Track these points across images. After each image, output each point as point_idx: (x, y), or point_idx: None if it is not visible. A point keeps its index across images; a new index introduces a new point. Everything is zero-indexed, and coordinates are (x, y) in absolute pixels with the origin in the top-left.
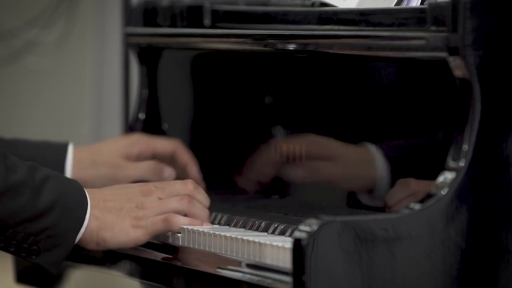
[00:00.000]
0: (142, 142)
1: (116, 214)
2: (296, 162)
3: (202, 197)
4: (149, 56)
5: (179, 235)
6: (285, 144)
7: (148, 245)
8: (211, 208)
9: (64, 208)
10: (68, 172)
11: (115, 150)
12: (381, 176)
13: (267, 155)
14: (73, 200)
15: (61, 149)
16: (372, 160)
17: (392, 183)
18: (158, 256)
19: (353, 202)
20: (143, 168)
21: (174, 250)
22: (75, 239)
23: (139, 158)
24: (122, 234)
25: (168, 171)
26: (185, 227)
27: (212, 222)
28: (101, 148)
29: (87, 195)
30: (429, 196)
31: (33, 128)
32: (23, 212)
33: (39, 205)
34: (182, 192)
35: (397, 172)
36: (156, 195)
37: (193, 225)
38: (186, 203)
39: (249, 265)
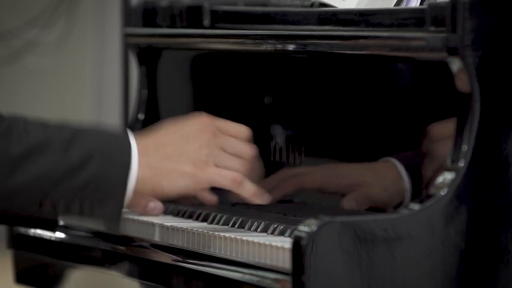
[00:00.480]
0: None
1: (175, 159)
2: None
3: (258, 166)
4: (148, 57)
5: (179, 235)
6: (309, 179)
7: (147, 245)
8: (208, 209)
9: (103, 158)
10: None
11: None
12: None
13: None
14: (114, 146)
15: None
16: (399, 174)
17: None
18: (158, 256)
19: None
20: None
21: (173, 250)
22: (125, 188)
23: None
24: (181, 179)
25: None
26: (184, 227)
27: (211, 222)
28: None
29: (134, 143)
30: (428, 196)
31: None
32: (56, 169)
33: (73, 158)
34: (245, 155)
35: (414, 178)
36: (219, 144)
37: (256, 199)
38: (246, 170)
39: (249, 266)
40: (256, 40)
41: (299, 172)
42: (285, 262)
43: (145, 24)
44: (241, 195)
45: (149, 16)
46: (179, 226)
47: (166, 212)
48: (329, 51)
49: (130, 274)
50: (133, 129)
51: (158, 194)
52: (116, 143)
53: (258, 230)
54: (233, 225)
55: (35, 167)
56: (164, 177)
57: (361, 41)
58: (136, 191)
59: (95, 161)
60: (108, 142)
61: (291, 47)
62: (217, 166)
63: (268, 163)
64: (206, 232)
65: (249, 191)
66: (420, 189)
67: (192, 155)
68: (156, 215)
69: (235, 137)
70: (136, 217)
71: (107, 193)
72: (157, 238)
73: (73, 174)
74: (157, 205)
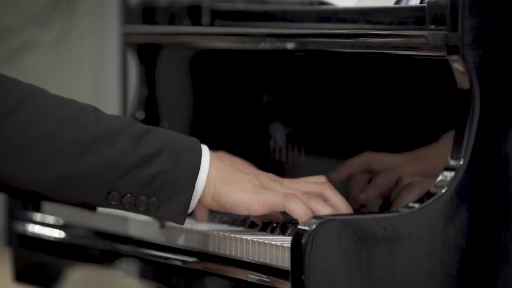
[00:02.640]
0: None
1: (240, 174)
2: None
3: (336, 197)
4: (147, 55)
5: (180, 234)
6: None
7: (147, 244)
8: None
9: (174, 153)
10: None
11: None
12: None
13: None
14: (184, 146)
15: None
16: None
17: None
18: (157, 255)
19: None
20: None
21: (173, 249)
22: (193, 184)
23: None
24: (240, 192)
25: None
26: (184, 226)
27: (211, 221)
28: None
29: (206, 147)
30: (428, 195)
31: None
32: (126, 158)
33: (143, 150)
34: (314, 189)
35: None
36: (283, 184)
37: (307, 217)
38: (312, 196)
39: (248, 265)
40: (256, 39)
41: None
42: (284, 261)
43: (144, 23)
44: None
45: (148, 15)
46: (179, 225)
47: None
48: (328, 49)
49: (129, 273)
50: None
51: (215, 199)
52: (188, 142)
53: (257, 229)
54: (233, 224)
55: (105, 154)
56: (226, 183)
57: (360, 39)
58: (203, 192)
59: (166, 156)
60: (181, 140)
61: (290, 45)
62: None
63: (267, 161)
64: (206, 232)
65: (300, 210)
66: None
67: (258, 177)
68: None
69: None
70: (136, 217)
71: (174, 188)
72: (158, 237)
73: (143, 166)
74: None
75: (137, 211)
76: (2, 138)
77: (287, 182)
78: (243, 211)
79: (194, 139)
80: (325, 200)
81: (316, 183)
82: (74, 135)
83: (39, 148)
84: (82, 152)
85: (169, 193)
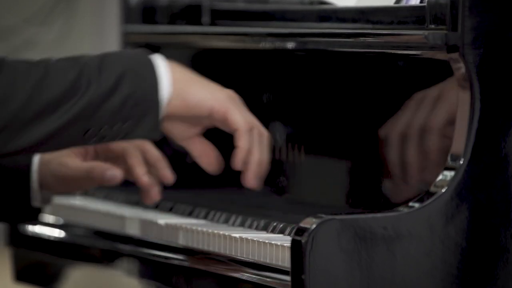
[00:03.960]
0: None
1: (200, 77)
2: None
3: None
4: None
5: (179, 233)
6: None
7: (147, 243)
8: (208, 207)
9: (133, 74)
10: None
11: None
12: None
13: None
14: (139, 63)
15: None
16: None
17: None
18: (157, 255)
19: (352, 200)
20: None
21: (173, 248)
22: (157, 99)
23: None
24: (205, 90)
25: (112, 172)
26: (184, 225)
27: (212, 220)
28: None
29: (159, 57)
30: (428, 194)
31: None
32: (94, 98)
33: (106, 83)
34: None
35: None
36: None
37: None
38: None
39: (248, 264)
40: (256, 38)
41: None
42: (284, 260)
43: (144, 22)
44: (241, 147)
45: (148, 14)
46: (179, 224)
47: (166, 211)
48: (328, 49)
49: (129, 272)
50: None
51: (181, 99)
52: (140, 58)
53: (258, 228)
54: (233, 223)
55: (77, 102)
56: (190, 83)
57: (360, 39)
58: (169, 103)
59: (127, 80)
60: (133, 57)
61: (290, 45)
62: None
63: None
64: (206, 231)
65: (256, 144)
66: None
67: (217, 87)
68: (116, 183)
69: None
70: (136, 216)
71: (143, 107)
72: (157, 236)
73: (109, 97)
74: (117, 173)
75: (115, 139)
76: None
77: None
78: (209, 107)
79: (142, 51)
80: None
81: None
82: (49, 95)
83: (20, 118)
84: (54, 110)
85: (139, 114)
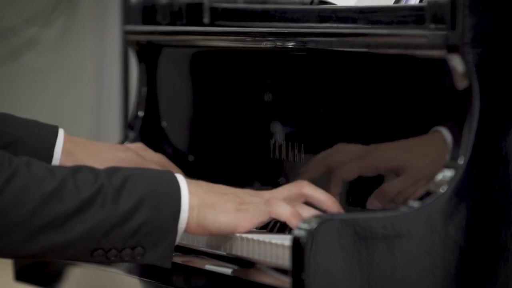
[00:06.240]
0: (132, 161)
1: (219, 196)
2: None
3: (317, 192)
4: (148, 54)
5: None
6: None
7: None
8: None
9: (153, 201)
10: (57, 160)
11: (107, 159)
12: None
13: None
14: (162, 190)
15: (52, 132)
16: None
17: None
18: None
19: (352, 200)
20: None
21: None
22: (176, 227)
23: None
24: (224, 214)
25: None
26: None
27: None
28: (93, 150)
29: (182, 180)
30: (428, 193)
31: None
32: (107, 220)
33: (122, 207)
34: (293, 190)
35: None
36: (263, 195)
37: (295, 216)
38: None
39: (248, 263)
40: (256, 38)
41: (336, 167)
42: (284, 259)
43: (145, 22)
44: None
45: (148, 14)
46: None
47: None
48: (328, 48)
49: (129, 271)
50: (133, 127)
51: (200, 225)
52: (165, 184)
53: (257, 228)
54: None
55: (86, 220)
56: (208, 208)
57: (360, 38)
58: (188, 227)
59: (145, 207)
60: (157, 184)
61: (290, 44)
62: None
63: (268, 160)
64: None
65: (285, 211)
66: None
67: (238, 194)
68: None
69: None
70: None
71: (158, 235)
72: None
73: (124, 223)
74: None
75: (122, 261)
76: None
77: (266, 193)
78: (231, 231)
79: (169, 175)
80: (307, 198)
81: (294, 184)
82: (57, 209)
83: (27, 225)
84: (64, 224)
85: (153, 241)
